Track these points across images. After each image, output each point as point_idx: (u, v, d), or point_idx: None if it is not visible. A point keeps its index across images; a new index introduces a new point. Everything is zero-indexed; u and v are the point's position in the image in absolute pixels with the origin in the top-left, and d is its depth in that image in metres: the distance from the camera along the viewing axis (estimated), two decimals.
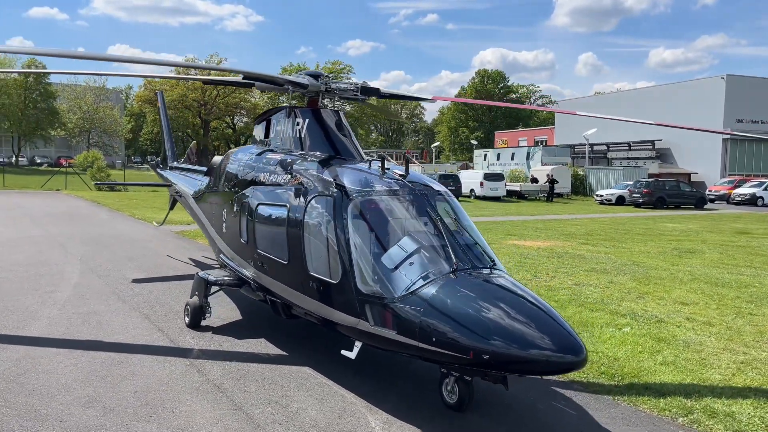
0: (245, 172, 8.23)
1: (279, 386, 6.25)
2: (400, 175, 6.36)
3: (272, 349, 7.46)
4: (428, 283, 5.30)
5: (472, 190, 43.66)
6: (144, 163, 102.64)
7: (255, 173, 7.92)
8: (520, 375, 5.13)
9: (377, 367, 6.85)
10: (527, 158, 56.15)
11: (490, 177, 44.25)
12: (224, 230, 8.71)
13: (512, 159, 57.77)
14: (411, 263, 5.54)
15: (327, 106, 8.80)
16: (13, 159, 74.32)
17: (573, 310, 9.40)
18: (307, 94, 8.07)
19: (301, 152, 7.68)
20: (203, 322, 8.27)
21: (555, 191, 45.14)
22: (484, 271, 5.58)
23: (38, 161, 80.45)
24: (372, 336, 5.57)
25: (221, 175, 9.08)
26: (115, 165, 73.88)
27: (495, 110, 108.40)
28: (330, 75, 8.14)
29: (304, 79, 7.70)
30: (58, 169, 51.66)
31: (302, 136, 7.81)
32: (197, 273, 8.52)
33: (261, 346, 7.59)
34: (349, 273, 5.70)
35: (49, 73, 66.12)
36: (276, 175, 7.40)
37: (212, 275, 8.26)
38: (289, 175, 7.12)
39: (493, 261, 5.84)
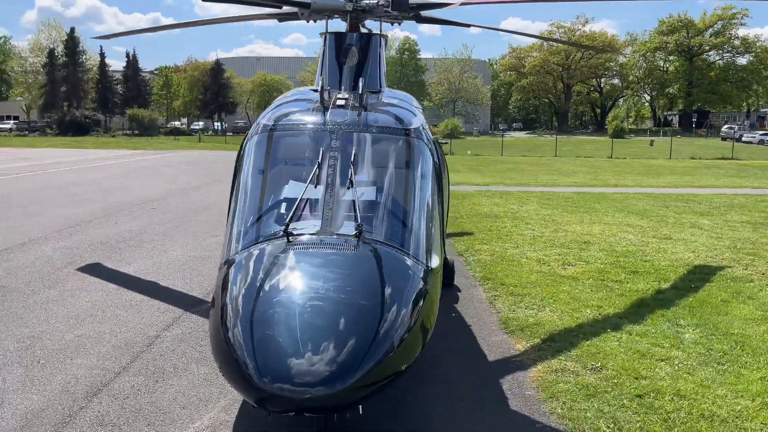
0: None
1: None
2: (338, 107, 5.24)
3: None
4: (242, 250, 4.40)
5: None
6: (511, 129, 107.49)
7: None
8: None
9: None
10: None
11: None
12: None
13: None
14: (254, 219, 4.71)
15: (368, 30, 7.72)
16: None
17: None
18: (336, 16, 7.27)
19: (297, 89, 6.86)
20: None
21: None
22: (329, 239, 4.25)
23: None
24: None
25: None
26: (473, 132, 79.53)
27: None
28: None
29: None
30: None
31: (319, 67, 7.07)
32: None
33: None
34: (227, 222, 5.04)
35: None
36: None
37: None
38: None
39: (362, 228, 4.25)
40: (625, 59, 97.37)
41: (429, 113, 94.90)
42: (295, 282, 3.83)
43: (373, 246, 4.27)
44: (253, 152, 5.19)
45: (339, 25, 7.65)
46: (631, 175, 26.40)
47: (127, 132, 77.73)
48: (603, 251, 10.42)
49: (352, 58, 6.82)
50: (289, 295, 3.71)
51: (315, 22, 7.78)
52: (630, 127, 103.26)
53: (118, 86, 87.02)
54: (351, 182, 4.53)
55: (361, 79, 6.86)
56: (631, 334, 6.46)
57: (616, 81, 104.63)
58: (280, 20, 8.33)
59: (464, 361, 5.86)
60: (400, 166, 4.99)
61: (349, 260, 4.07)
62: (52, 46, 79.40)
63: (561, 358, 5.82)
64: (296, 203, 4.41)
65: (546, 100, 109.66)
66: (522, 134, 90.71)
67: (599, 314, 7.14)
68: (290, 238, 4.21)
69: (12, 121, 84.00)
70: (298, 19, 7.92)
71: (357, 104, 5.31)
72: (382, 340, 3.54)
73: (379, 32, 7.47)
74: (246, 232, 4.61)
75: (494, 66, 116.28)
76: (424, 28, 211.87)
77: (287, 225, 4.23)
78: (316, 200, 4.50)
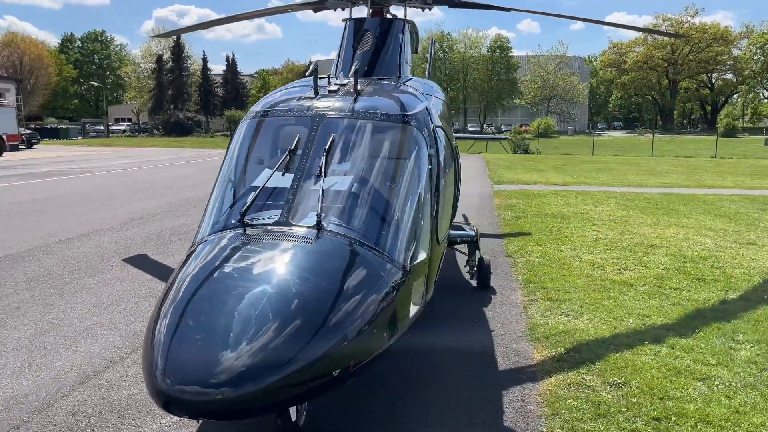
0: None
1: None
2: (330, 92, 5.00)
3: None
4: (203, 239, 4.21)
5: None
6: (610, 129, 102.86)
7: None
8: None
9: None
10: None
11: None
12: None
13: None
14: (223, 207, 4.52)
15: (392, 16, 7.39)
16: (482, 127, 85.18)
17: None
18: (360, 2, 7.07)
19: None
20: None
21: None
22: (284, 231, 3.95)
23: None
24: None
25: None
26: (567, 131, 76.60)
27: None
28: None
29: None
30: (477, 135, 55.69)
31: (336, 54, 6.89)
32: None
33: None
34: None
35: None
36: None
37: None
38: None
39: (321, 219, 3.94)
40: (740, 52, 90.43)
41: (521, 111, 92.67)
42: (229, 276, 3.57)
43: (332, 239, 3.91)
44: (238, 139, 5.04)
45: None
46: (733, 176, 24.24)
47: (226, 132, 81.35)
48: (669, 256, 9.47)
49: (365, 44, 6.55)
50: (216, 290, 3.46)
51: (343, 10, 7.57)
52: (745, 125, 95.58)
53: (219, 89, 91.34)
54: (321, 171, 4.22)
55: (375, 65, 6.57)
56: (673, 348, 5.73)
57: (729, 76, 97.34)
58: (315, 11, 8.19)
59: (471, 369, 5.38)
60: (382, 154, 4.61)
61: (298, 253, 3.74)
62: (160, 53, 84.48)
63: (581, 370, 5.22)
64: (257, 192, 4.18)
65: (649, 98, 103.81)
66: (621, 134, 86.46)
67: (642, 324, 6.41)
68: (246, 228, 3.97)
69: (125, 123, 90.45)
70: (326, 8, 7.75)
71: (351, 90, 4.99)
72: (311, 341, 3.20)
73: (403, 18, 7.14)
74: (211, 221, 4.44)
75: (593, 62, 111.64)
76: (523, 26, 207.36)
77: (243, 215, 4.01)
78: (283, 189, 4.23)
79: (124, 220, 12.77)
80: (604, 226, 12.12)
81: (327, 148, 4.36)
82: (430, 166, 4.78)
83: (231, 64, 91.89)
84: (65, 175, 23.73)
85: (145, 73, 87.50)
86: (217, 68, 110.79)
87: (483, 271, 7.78)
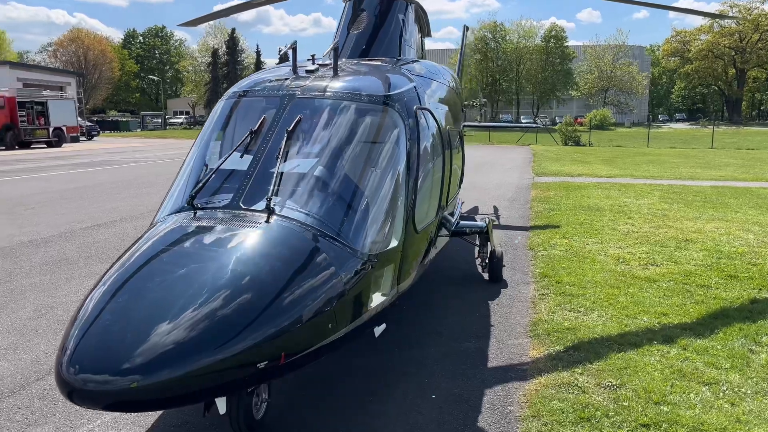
0: None
1: None
2: (308, 72, 4.83)
3: None
4: (157, 222, 4.09)
5: None
6: (672, 120, 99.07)
7: None
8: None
9: None
10: None
11: None
12: None
13: None
14: (180, 189, 4.38)
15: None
16: (536, 119, 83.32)
17: None
18: None
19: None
20: None
21: None
22: (232, 214, 3.78)
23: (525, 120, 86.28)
24: None
25: None
26: (624, 123, 73.97)
27: None
28: None
29: None
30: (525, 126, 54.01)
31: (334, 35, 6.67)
32: None
33: None
34: None
35: None
36: None
37: None
38: None
39: (271, 203, 3.75)
40: None
41: (577, 103, 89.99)
42: (163, 260, 3.44)
43: (280, 224, 3.69)
44: (211, 120, 4.92)
45: None
46: None
47: None
48: (704, 251, 8.85)
49: (360, 24, 6.30)
50: (146, 274, 3.31)
51: None
52: None
53: None
54: (282, 152, 4.02)
55: (371, 46, 6.32)
56: (684, 349, 5.29)
57: None
58: None
59: (458, 364, 5.09)
60: (350, 136, 4.37)
61: (239, 239, 3.54)
62: (216, 47, 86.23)
63: (575, 370, 4.87)
64: (211, 174, 4.04)
65: (715, 88, 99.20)
66: (683, 125, 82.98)
67: (657, 323, 5.96)
68: (197, 211, 3.82)
69: (182, 116, 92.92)
70: None
71: (329, 70, 4.77)
72: (237, 330, 3.01)
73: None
74: (169, 203, 4.34)
75: (655, 52, 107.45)
76: (583, 15, 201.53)
77: (192, 197, 3.87)
78: (241, 171, 4.05)
79: (152, 209, 12.96)
80: (640, 219, 11.49)
81: (290, 129, 4.16)
82: (407, 151, 4.50)
83: (283, 58, 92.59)
84: (112, 165, 24.43)
85: (202, 67, 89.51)
86: (271, 62, 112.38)
87: (494, 263, 7.44)
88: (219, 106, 4.94)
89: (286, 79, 4.76)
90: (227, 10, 9.64)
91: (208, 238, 3.59)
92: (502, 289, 7.22)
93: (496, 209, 13.08)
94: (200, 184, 3.97)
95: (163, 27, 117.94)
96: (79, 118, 46.43)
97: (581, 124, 54.77)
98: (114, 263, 3.59)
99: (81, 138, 45.72)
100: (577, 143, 41.44)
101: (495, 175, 20.82)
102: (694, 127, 77.77)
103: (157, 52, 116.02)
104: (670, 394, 4.42)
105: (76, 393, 2.84)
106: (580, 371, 4.85)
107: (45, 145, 38.77)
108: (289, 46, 4.89)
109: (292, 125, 4.21)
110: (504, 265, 7.71)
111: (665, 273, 7.72)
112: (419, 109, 4.90)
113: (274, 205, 3.76)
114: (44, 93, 41.55)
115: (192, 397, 3.01)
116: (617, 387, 4.56)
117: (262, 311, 3.16)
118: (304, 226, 3.76)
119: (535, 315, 6.26)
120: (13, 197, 14.76)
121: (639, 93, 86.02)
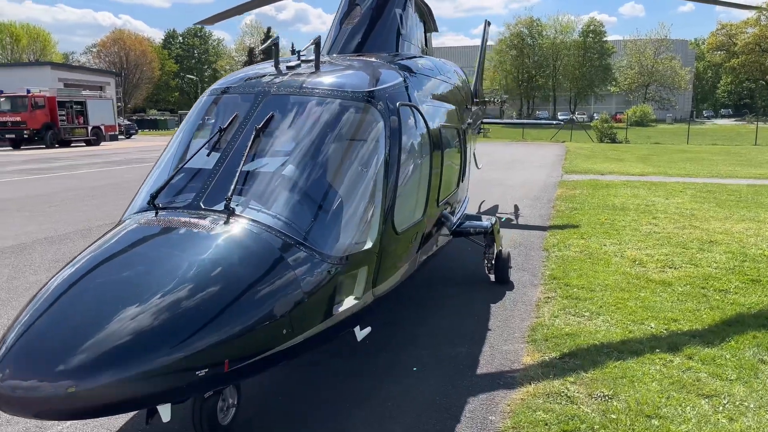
0: None
1: None
2: (289, 68, 4.69)
3: None
4: (122, 221, 3.94)
5: None
6: (717, 116, 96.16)
7: None
8: None
9: None
10: None
11: None
12: None
13: None
14: (148, 188, 4.24)
15: None
16: (574, 116, 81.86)
17: None
18: None
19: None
20: None
21: None
22: (190, 215, 3.64)
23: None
24: None
25: None
26: (666, 120, 72.02)
27: None
28: None
29: None
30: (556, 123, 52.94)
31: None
32: None
33: None
34: None
35: None
36: None
37: None
38: None
39: (230, 203, 3.62)
40: None
41: (616, 99, 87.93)
42: (115, 262, 3.35)
43: (239, 225, 3.56)
44: (188, 118, 4.83)
45: None
46: None
47: None
48: (728, 253, 8.44)
49: (353, 19, 6.15)
50: (93, 276, 3.22)
51: None
52: None
53: None
54: (249, 151, 3.90)
55: (365, 41, 6.16)
56: (689, 358, 5.00)
57: None
58: None
59: (447, 370, 4.91)
60: (324, 134, 4.20)
61: (195, 240, 3.43)
62: (252, 46, 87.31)
63: (568, 379, 4.64)
64: (175, 173, 3.95)
65: (763, 83, 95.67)
66: (728, 121, 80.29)
67: (665, 329, 5.67)
68: (158, 211, 3.73)
69: None
70: None
71: (311, 66, 4.64)
72: (178, 336, 2.91)
73: None
74: (135, 202, 4.25)
75: (700, 45, 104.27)
76: (625, 8, 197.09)
77: (153, 197, 3.78)
78: (206, 170, 3.95)
79: None
80: (666, 219, 11.07)
81: (260, 126, 4.04)
82: (387, 149, 4.33)
83: (266, 52, 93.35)
84: (144, 163, 24.86)
85: (239, 66, 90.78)
86: None
87: (501, 264, 7.21)
88: (198, 103, 4.87)
89: (265, 75, 4.64)
90: (240, 7, 9.62)
91: (160, 240, 3.50)
92: (507, 291, 6.99)
93: (516, 208, 12.78)
94: (163, 184, 3.89)
95: (202, 27, 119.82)
96: (117, 117, 47.55)
97: (619, 121, 53.47)
98: (65, 265, 3.53)
99: (119, 137, 46.80)
100: (613, 140, 40.48)
101: (523, 173, 20.44)
102: (740, 123, 75.20)
103: (195, 51, 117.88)
104: (665, 407, 4.16)
105: (3, 399, 2.75)
106: (572, 380, 4.63)
107: (84, 144, 39.82)
108: (270, 41, 4.78)
109: (262, 123, 4.08)
110: (511, 267, 7.48)
111: (682, 276, 7.37)
112: (403, 105, 4.72)
113: (236, 205, 3.64)
114: (83, 93, 42.66)
115: (130, 405, 2.93)
116: (609, 398, 4.32)
117: (204, 316, 3.04)
118: (264, 227, 3.62)
119: (536, 319, 6.03)
120: (42, 194, 15.11)
121: (682, 88, 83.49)
